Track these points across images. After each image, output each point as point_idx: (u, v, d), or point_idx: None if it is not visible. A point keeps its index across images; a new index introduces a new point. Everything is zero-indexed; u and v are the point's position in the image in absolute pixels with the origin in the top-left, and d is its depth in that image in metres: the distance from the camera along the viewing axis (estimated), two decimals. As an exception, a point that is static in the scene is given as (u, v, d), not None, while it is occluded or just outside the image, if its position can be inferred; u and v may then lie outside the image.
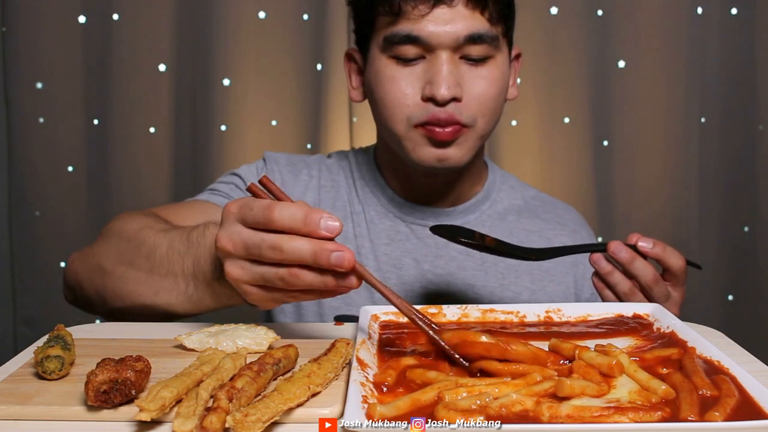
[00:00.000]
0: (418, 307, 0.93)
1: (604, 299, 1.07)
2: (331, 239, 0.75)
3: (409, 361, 0.75)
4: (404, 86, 1.13)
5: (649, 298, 1.04)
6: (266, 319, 1.32)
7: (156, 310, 0.99)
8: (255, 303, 0.84)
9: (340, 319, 1.23)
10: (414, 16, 1.10)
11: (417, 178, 1.27)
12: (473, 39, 1.11)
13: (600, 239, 2.16)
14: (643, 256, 1.04)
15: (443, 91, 1.10)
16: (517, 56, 1.28)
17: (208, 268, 0.92)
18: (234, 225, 0.79)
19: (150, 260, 0.98)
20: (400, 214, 1.29)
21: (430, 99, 1.12)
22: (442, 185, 1.28)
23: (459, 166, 1.19)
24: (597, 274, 1.06)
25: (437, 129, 1.13)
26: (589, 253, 1.07)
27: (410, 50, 1.12)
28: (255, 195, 0.81)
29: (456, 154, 1.16)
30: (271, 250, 0.75)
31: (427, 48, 1.12)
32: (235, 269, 0.80)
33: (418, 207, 1.29)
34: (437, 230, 1.01)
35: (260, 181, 0.81)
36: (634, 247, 1.04)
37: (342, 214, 1.30)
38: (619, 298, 1.05)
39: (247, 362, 0.72)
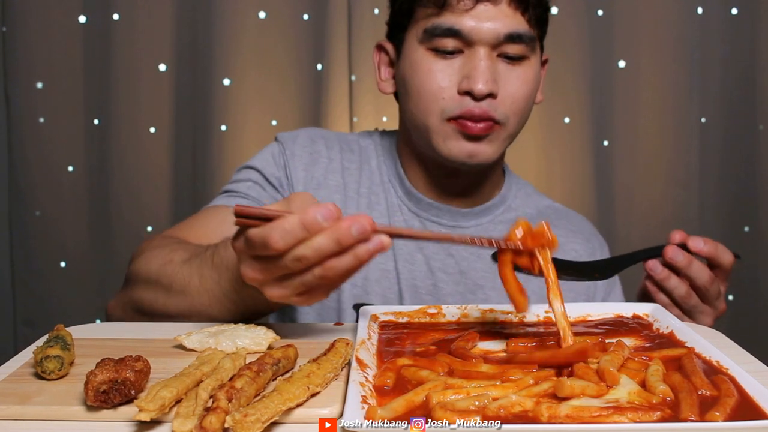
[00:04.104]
0: (418, 307, 0.93)
1: (660, 305, 1.06)
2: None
3: (404, 361, 0.75)
4: (441, 79, 1.14)
5: (704, 299, 1.06)
6: (282, 314, 1.31)
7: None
8: (304, 305, 0.83)
9: (359, 309, 1.23)
10: (458, 10, 1.12)
11: (438, 176, 1.26)
12: (512, 38, 1.13)
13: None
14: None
15: (480, 86, 1.11)
16: (545, 62, 1.28)
17: (248, 288, 0.91)
18: (250, 260, 0.79)
19: (187, 296, 0.99)
20: (415, 209, 1.28)
21: (466, 93, 1.13)
22: (462, 185, 1.27)
23: (488, 163, 1.19)
24: (651, 278, 1.07)
25: (470, 123, 1.14)
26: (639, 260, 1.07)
27: (449, 43, 1.13)
28: (243, 219, 0.77)
29: (486, 150, 1.17)
30: (297, 262, 0.75)
31: (466, 42, 1.13)
32: (275, 291, 0.80)
33: (435, 204, 1.28)
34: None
35: (235, 213, 0.77)
36: (684, 247, 1.04)
37: (365, 201, 1.29)
38: (675, 302, 1.07)
39: (247, 362, 0.72)
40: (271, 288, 0.80)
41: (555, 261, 1.01)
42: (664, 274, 1.05)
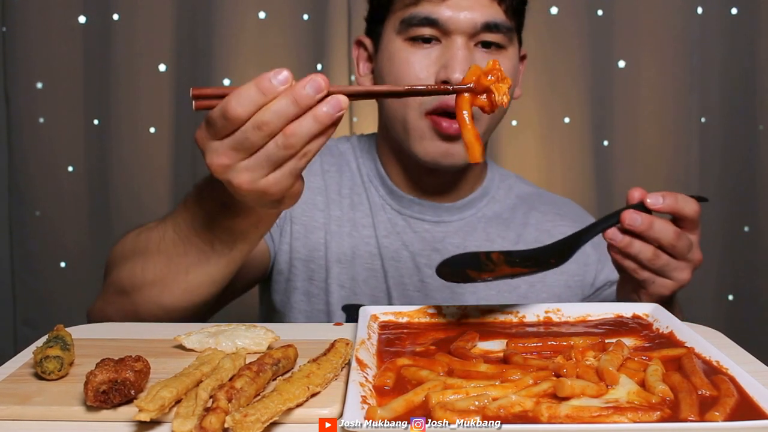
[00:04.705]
0: (417, 307, 0.93)
1: (625, 270, 1.02)
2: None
3: (404, 361, 0.75)
4: (418, 69, 1.15)
5: (674, 255, 0.99)
6: (271, 318, 1.32)
7: (196, 293, 0.97)
8: (280, 195, 0.80)
9: (348, 310, 1.23)
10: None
11: (418, 173, 1.27)
12: (489, 27, 1.14)
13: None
14: (647, 210, 0.98)
15: (458, 75, 1.11)
16: (523, 57, 1.29)
17: (220, 211, 0.91)
18: (212, 144, 0.77)
19: (162, 252, 0.97)
20: (398, 207, 1.29)
21: (443, 83, 1.12)
22: (443, 181, 1.28)
23: (462, 164, 1.19)
24: (614, 247, 1.00)
25: (444, 123, 1.13)
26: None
27: (426, 31, 1.14)
28: (204, 101, 0.78)
29: (461, 150, 1.15)
30: (258, 130, 0.74)
31: (443, 32, 1.14)
32: (244, 175, 0.77)
33: (417, 201, 1.28)
34: (446, 275, 0.94)
35: (193, 96, 0.77)
36: (642, 206, 0.98)
37: (348, 201, 1.29)
38: (643, 266, 0.99)
39: (247, 362, 0.72)
40: (239, 173, 0.77)
41: (510, 254, 0.98)
42: (625, 241, 0.98)
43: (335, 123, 0.75)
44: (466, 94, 0.84)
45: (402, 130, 1.18)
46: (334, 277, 1.25)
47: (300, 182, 0.82)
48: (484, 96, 0.84)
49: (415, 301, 1.23)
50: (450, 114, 1.13)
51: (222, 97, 0.75)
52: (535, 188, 1.41)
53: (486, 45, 1.16)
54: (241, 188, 0.78)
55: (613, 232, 0.98)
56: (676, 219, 1.00)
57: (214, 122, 0.76)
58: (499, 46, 1.16)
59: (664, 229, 0.97)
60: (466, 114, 0.84)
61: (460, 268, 0.95)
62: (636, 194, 0.99)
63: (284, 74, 0.73)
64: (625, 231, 0.97)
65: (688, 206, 0.99)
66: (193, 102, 0.77)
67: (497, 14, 1.15)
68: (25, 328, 2.35)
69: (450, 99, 1.11)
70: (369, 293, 1.24)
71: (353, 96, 0.78)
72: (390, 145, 1.28)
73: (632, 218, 0.96)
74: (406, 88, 0.83)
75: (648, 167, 2.33)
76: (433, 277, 1.24)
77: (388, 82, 1.18)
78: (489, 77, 0.82)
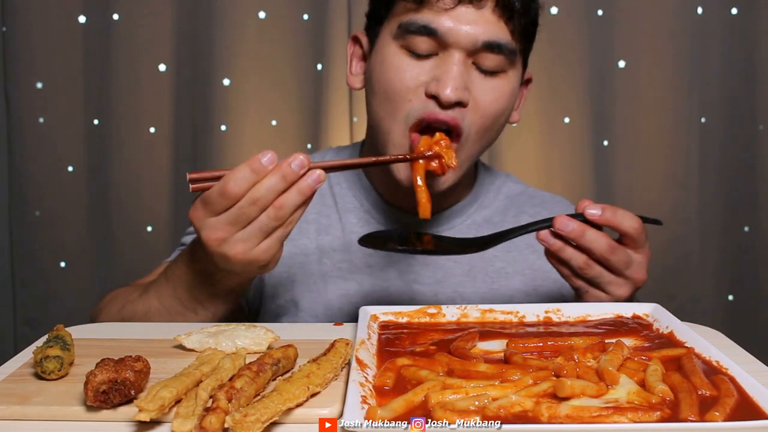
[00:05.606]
0: (418, 307, 0.93)
1: (562, 275, 1.01)
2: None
3: (404, 361, 0.75)
4: (409, 79, 1.06)
5: (609, 268, 0.98)
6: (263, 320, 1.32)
7: None
8: (268, 261, 0.91)
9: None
10: (437, 8, 1.04)
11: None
12: (491, 47, 1.05)
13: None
14: (596, 224, 0.96)
15: (449, 92, 1.03)
16: (528, 81, 1.21)
17: (203, 279, 0.99)
18: (209, 221, 0.88)
19: (150, 320, 1.05)
20: (383, 220, 1.23)
21: (433, 97, 1.05)
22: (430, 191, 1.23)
23: (440, 189, 1.11)
24: (549, 251, 0.99)
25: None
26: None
27: (423, 43, 1.05)
28: (199, 184, 0.88)
29: (441, 179, 1.09)
30: (253, 206, 0.86)
31: (442, 44, 1.05)
32: (238, 246, 0.88)
33: (404, 212, 1.23)
34: (366, 241, 0.96)
35: (190, 180, 0.88)
36: (582, 216, 0.97)
37: (314, 226, 1.24)
38: (576, 274, 0.99)
39: (247, 362, 0.72)
40: (234, 244, 0.88)
41: (440, 238, 1.06)
42: (557, 245, 0.97)
43: (314, 194, 0.88)
44: (421, 161, 1.02)
45: (384, 144, 1.12)
46: (306, 308, 1.21)
47: (281, 248, 0.93)
48: (436, 162, 1.03)
49: None
50: (434, 128, 1.07)
51: (215, 179, 0.87)
52: (525, 187, 1.36)
53: (483, 69, 1.07)
54: (236, 258, 0.89)
55: (545, 234, 0.98)
56: (621, 235, 0.99)
57: (211, 201, 0.86)
58: (497, 72, 1.07)
59: (597, 240, 0.96)
60: (419, 179, 1.03)
61: (383, 239, 1.02)
62: (585, 204, 0.98)
63: (270, 155, 0.86)
64: (560, 236, 0.97)
65: (627, 222, 0.97)
66: (190, 185, 0.88)
67: (502, 34, 1.05)
68: (25, 328, 2.35)
69: (435, 112, 1.05)
70: (344, 320, 1.21)
71: (329, 169, 0.91)
72: (376, 150, 1.18)
73: (563, 223, 0.96)
74: (373, 160, 0.99)
75: (648, 167, 2.33)
76: (424, 294, 1.21)
77: (378, 87, 1.11)
78: (438, 145, 1.03)
